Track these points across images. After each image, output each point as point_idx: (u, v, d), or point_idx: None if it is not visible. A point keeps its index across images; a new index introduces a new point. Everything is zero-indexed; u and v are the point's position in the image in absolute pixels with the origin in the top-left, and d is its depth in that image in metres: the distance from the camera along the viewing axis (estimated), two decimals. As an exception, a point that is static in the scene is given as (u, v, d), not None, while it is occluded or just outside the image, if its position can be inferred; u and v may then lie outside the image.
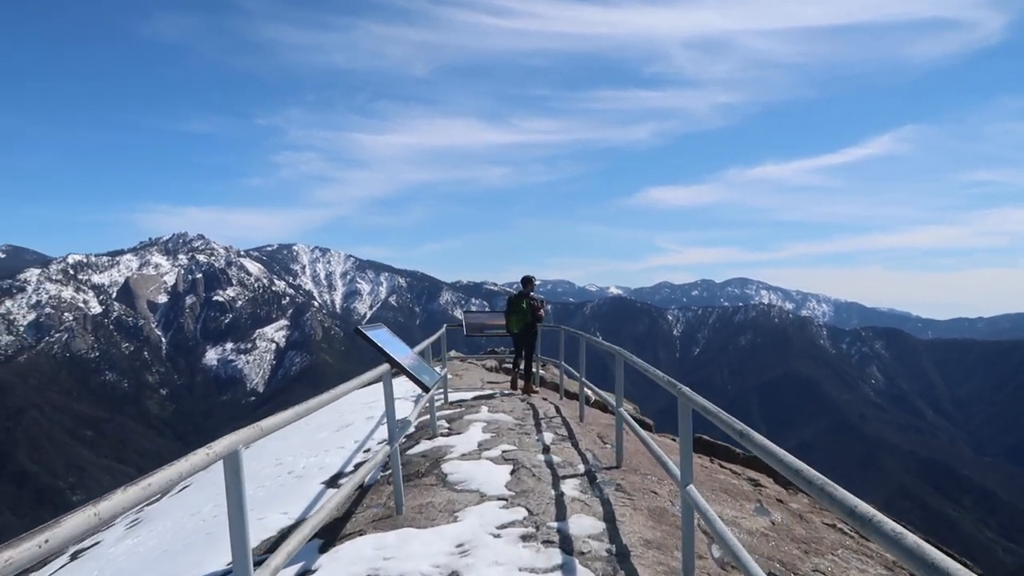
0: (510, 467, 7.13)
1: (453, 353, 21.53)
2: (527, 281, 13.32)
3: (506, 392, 13.20)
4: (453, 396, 12.69)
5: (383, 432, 9.55)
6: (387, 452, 5.86)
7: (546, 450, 7.88)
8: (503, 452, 7.76)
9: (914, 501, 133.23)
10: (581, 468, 7.17)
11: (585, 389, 10.67)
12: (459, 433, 8.97)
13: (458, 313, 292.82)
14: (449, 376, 15.63)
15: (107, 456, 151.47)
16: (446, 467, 7.32)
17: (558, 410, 10.95)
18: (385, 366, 5.93)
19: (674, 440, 10.43)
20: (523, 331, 13.21)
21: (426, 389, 7.34)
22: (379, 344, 6.55)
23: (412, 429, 9.55)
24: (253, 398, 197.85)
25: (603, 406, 12.69)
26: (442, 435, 8.94)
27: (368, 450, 9.04)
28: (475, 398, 12.44)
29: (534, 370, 14.45)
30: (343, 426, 11.13)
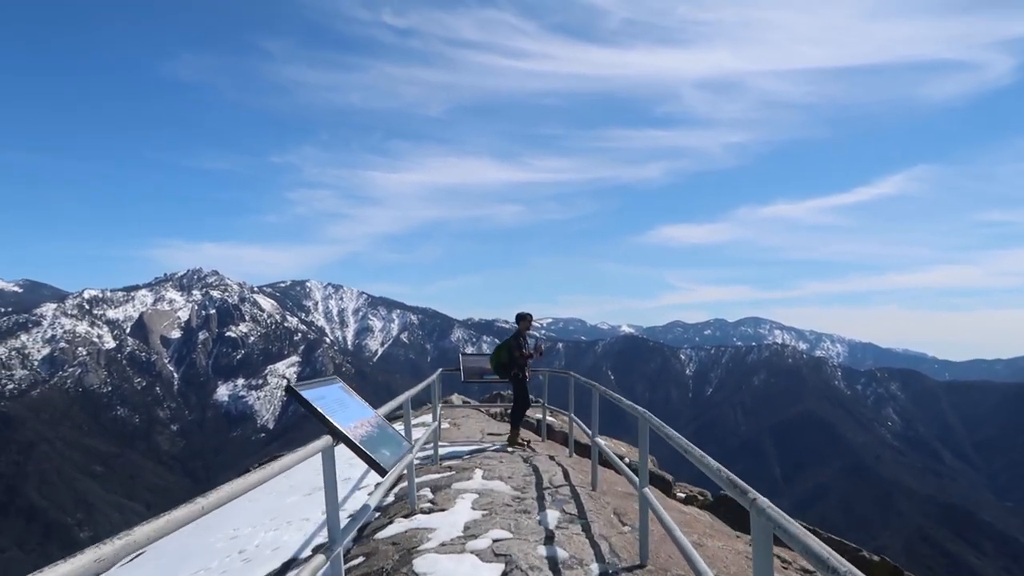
0: (502, 566, 5.67)
1: (455, 397, 20.45)
2: (520, 319, 11.80)
3: (509, 449, 11.67)
4: (446, 450, 11.29)
5: (359, 500, 8.50)
6: (321, 569, 4.06)
7: (549, 538, 6.31)
8: (494, 542, 6.20)
9: (934, 547, 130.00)
10: (595, 569, 5.67)
11: (599, 446, 8.82)
12: (443, 510, 7.40)
13: (470, 350, 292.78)
14: (446, 425, 14.62)
15: (116, 492, 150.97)
16: (419, 564, 5.78)
17: (566, 475, 9.34)
18: (326, 439, 4.30)
19: (705, 515, 9.72)
20: (507, 375, 11.95)
21: (382, 471, 4.94)
22: (318, 408, 4.57)
23: (375, 515, 7.93)
24: (263, 434, 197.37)
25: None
26: (422, 512, 7.41)
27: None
28: (471, 453, 11.05)
29: (544, 419, 13.53)
30: (316, 488, 9.41)
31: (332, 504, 4.35)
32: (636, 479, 6.08)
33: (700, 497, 12.58)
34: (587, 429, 9.55)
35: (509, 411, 13.17)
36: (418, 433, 13.12)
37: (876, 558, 9.90)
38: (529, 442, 12.24)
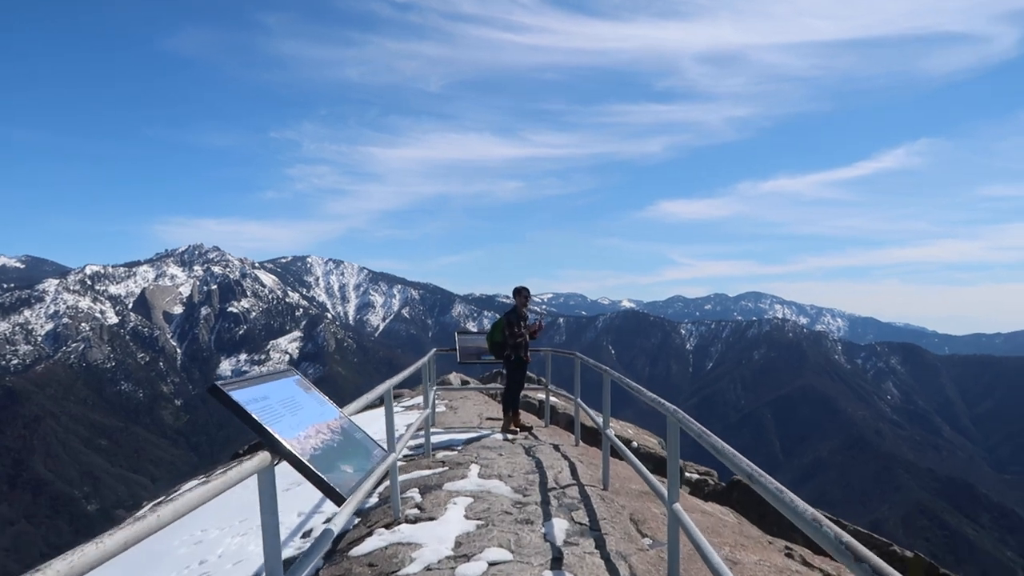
0: None
1: (454, 376, 19.37)
2: (516, 293, 10.87)
3: (508, 436, 10.52)
4: (440, 439, 10.05)
5: (330, 506, 7.28)
6: None
7: (557, 560, 5.15)
8: (490, 566, 5.05)
9: (932, 519, 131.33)
10: None
11: (612, 441, 7.52)
12: (432, 518, 6.26)
13: (471, 326, 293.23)
14: (441, 408, 13.69)
15: (122, 466, 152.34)
16: None
17: (573, 470, 8.13)
18: (262, 455, 3.08)
19: (730, 515, 8.78)
20: (501, 356, 10.97)
21: (338, 498, 3.37)
22: (252, 415, 3.25)
23: (353, 523, 6.78)
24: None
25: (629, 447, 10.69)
26: (407, 520, 6.26)
27: (309, 533, 6.69)
28: (468, 442, 9.86)
29: (547, 401, 12.47)
30: (296, 483, 8.25)
31: (272, 543, 3.14)
32: (664, 492, 4.80)
33: (711, 481, 12.49)
34: (596, 419, 8.60)
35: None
36: (410, 418, 11.96)
37: (910, 554, 9.63)
38: (531, 428, 11.18)
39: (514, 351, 10.76)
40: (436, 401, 13.33)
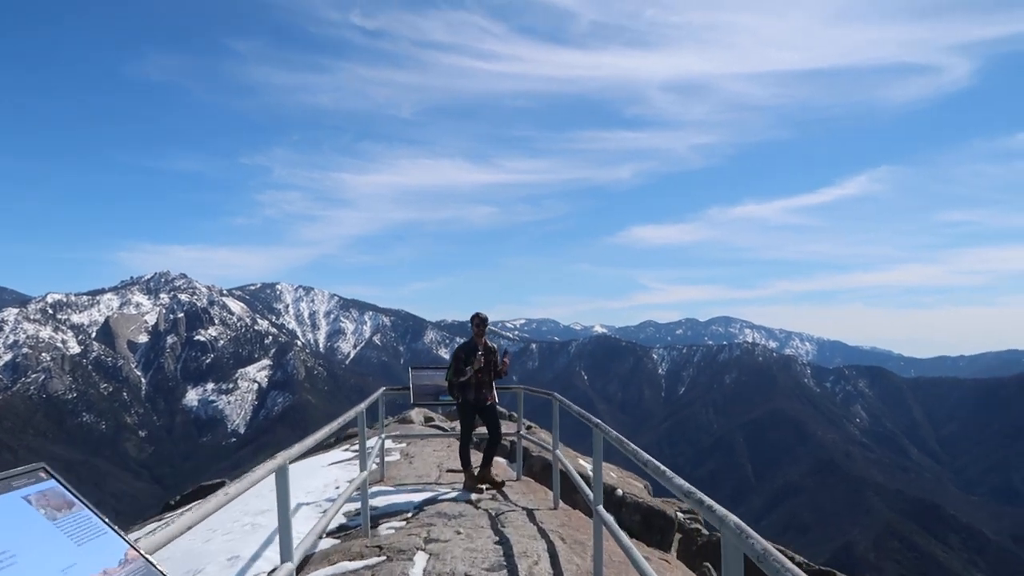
0: None
1: (415, 413, 17.07)
2: (474, 322, 9.28)
3: (471, 496, 8.56)
4: (387, 501, 8.23)
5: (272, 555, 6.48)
6: None
7: None
8: None
9: (902, 541, 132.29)
10: None
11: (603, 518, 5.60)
12: None
13: (443, 352, 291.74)
14: (395, 457, 11.87)
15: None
16: None
17: (553, 557, 6.27)
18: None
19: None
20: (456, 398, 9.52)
21: None
22: None
23: None
24: (234, 439, 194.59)
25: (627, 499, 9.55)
26: None
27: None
28: (420, 506, 8.00)
29: (518, 445, 10.68)
30: (262, 511, 7.94)
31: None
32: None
33: (703, 531, 11.37)
34: (585, 488, 6.33)
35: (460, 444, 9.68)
36: (352, 473, 9.91)
37: None
38: (502, 484, 9.14)
39: (462, 393, 8.99)
40: (389, 447, 11.73)
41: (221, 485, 2.53)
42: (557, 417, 8.49)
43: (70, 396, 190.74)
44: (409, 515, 7.68)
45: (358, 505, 7.63)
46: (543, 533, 7.09)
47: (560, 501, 8.61)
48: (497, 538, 6.77)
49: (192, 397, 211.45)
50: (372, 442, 11.89)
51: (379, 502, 8.11)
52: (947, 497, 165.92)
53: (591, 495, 5.08)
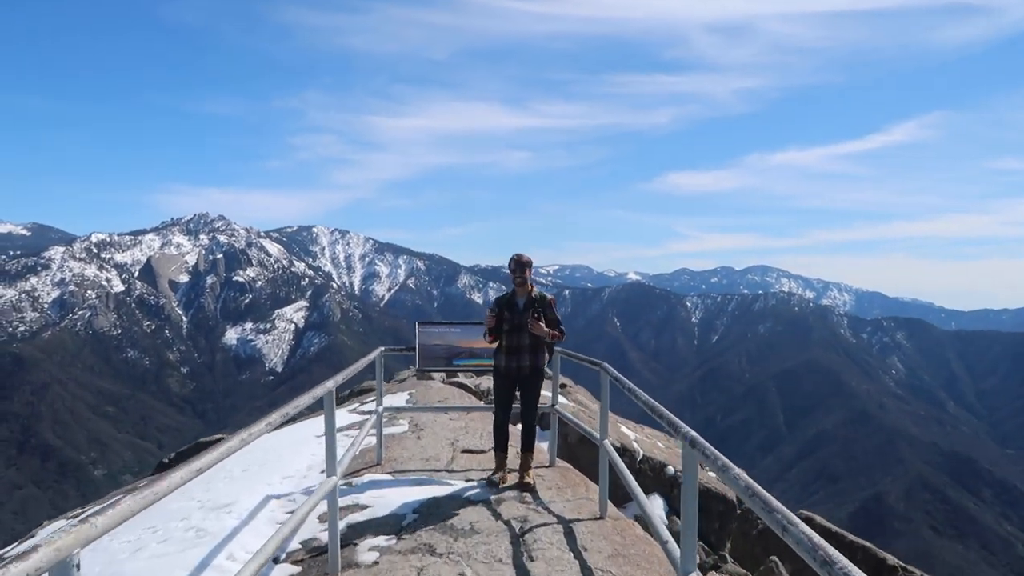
0: None
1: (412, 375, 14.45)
2: (515, 267, 6.68)
3: (491, 495, 6.43)
4: (376, 500, 6.19)
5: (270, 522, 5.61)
6: None
7: None
8: None
9: (934, 493, 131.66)
10: None
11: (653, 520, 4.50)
12: None
13: (476, 297, 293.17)
14: (403, 427, 9.53)
15: (128, 432, 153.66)
16: None
17: None
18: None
19: None
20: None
21: None
22: None
23: None
24: (272, 377, 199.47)
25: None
26: None
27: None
28: (422, 510, 5.99)
29: (553, 427, 7.92)
30: (223, 505, 6.31)
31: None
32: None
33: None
34: (641, 496, 4.86)
35: (493, 426, 7.29)
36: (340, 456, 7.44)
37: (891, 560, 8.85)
38: (532, 486, 6.67)
39: (494, 357, 6.93)
40: (395, 416, 9.78)
41: (219, 442, 2.33)
42: (607, 395, 6.27)
43: (115, 333, 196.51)
44: (403, 526, 5.64)
45: (345, 500, 5.89)
46: (580, 555, 5.05)
47: (608, 503, 6.18)
48: (521, 560, 4.92)
49: (231, 336, 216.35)
50: (390, 399, 10.47)
51: (367, 500, 6.20)
52: (983, 451, 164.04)
53: (646, 504, 4.61)
